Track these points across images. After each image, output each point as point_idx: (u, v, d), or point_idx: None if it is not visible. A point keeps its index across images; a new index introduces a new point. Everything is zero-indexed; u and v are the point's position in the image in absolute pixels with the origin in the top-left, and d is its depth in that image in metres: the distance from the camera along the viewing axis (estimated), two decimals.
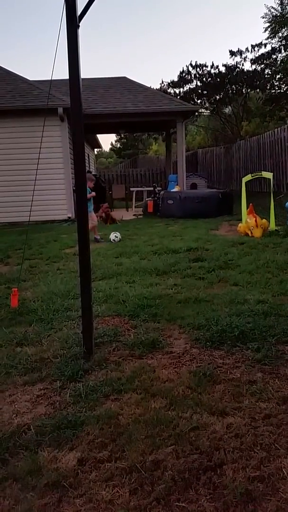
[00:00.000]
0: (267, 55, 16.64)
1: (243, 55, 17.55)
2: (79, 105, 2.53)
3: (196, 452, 1.71)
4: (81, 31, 2.48)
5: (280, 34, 15.54)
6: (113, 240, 6.92)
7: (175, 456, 1.69)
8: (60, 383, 2.30)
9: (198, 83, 18.50)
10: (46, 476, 1.62)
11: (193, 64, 18.33)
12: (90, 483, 1.58)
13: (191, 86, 18.74)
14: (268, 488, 1.51)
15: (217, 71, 17.94)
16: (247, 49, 17.42)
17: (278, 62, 16.40)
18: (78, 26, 2.48)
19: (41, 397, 2.21)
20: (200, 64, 18.24)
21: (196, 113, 17.87)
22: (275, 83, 17.14)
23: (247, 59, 17.89)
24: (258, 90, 17.86)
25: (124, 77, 14.16)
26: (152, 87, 15.73)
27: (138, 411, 2.01)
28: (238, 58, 17.71)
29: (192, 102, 17.97)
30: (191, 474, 1.59)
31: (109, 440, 1.81)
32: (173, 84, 18.96)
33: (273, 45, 16.30)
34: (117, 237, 6.97)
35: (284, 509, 1.42)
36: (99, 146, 21.20)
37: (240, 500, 1.46)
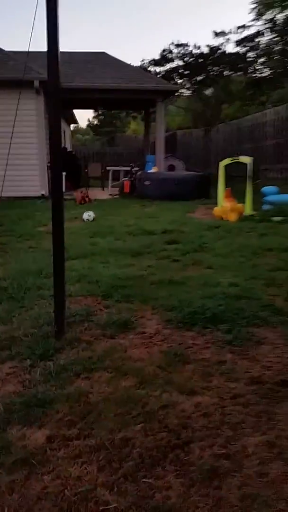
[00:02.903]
0: (251, 37, 16.49)
1: (227, 37, 17.34)
2: (56, 78, 2.42)
3: (165, 430, 1.73)
4: (60, 5, 2.36)
5: (265, 17, 15.41)
6: (86, 219, 6.84)
7: (143, 434, 1.71)
8: (30, 362, 2.27)
9: (180, 63, 18.22)
10: (15, 454, 1.61)
11: (176, 43, 18.00)
12: (58, 460, 1.58)
13: (172, 66, 18.43)
14: (233, 465, 1.55)
15: (200, 52, 17.70)
16: (231, 30, 17.21)
17: (262, 46, 16.31)
18: None
19: (10, 375, 2.18)
20: (182, 43, 17.93)
21: (177, 94, 17.65)
22: (258, 67, 17.09)
23: (230, 41, 17.73)
24: (240, 73, 17.76)
25: (104, 53, 13.76)
26: (132, 64, 15.39)
27: (108, 389, 2.01)
28: (221, 39, 17.50)
29: (173, 82, 17.71)
30: (159, 452, 1.62)
31: (78, 418, 1.81)
32: (154, 62, 18.58)
33: (258, 28, 16.17)
34: (90, 215, 6.90)
35: (247, 484, 1.47)
36: (75, 122, 20.70)
37: (206, 476, 1.50)
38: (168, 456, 1.60)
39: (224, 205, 7.00)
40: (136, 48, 65.05)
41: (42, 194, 10.71)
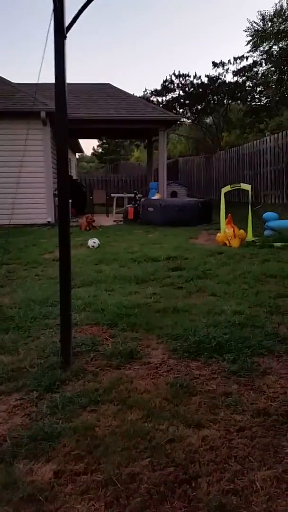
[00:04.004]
0: (249, 67, 17.01)
1: (225, 67, 17.88)
2: (64, 111, 2.55)
3: (172, 465, 1.73)
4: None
5: (261, 48, 15.93)
6: (91, 246, 6.93)
7: (151, 468, 1.71)
8: (36, 394, 2.28)
9: (181, 93, 18.73)
10: (22, 489, 1.60)
11: (177, 73, 18.57)
12: (65, 496, 1.58)
13: (173, 95, 18.96)
14: (241, 501, 1.54)
15: (200, 82, 18.23)
16: (229, 61, 17.76)
17: (259, 75, 16.82)
18: (66, 37, 2.50)
19: (17, 407, 2.19)
20: (183, 74, 18.48)
21: (178, 122, 18.08)
22: (256, 96, 17.55)
23: (229, 71, 18.26)
24: (239, 101, 18.22)
25: (108, 84, 14.21)
26: (135, 94, 15.87)
27: (115, 423, 2.02)
28: (220, 70, 18.04)
29: (174, 111, 18.16)
30: (166, 487, 1.61)
31: (86, 452, 1.81)
32: (156, 93, 19.12)
33: (255, 59, 16.71)
34: (95, 242, 6.99)
35: None
36: (80, 150, 21.15)
37: None
38: (176, 491, 1.59)
39: (227, 231, 7.07)
40: (138, 75, 67.37)
41: (49, 221, 10.86)
